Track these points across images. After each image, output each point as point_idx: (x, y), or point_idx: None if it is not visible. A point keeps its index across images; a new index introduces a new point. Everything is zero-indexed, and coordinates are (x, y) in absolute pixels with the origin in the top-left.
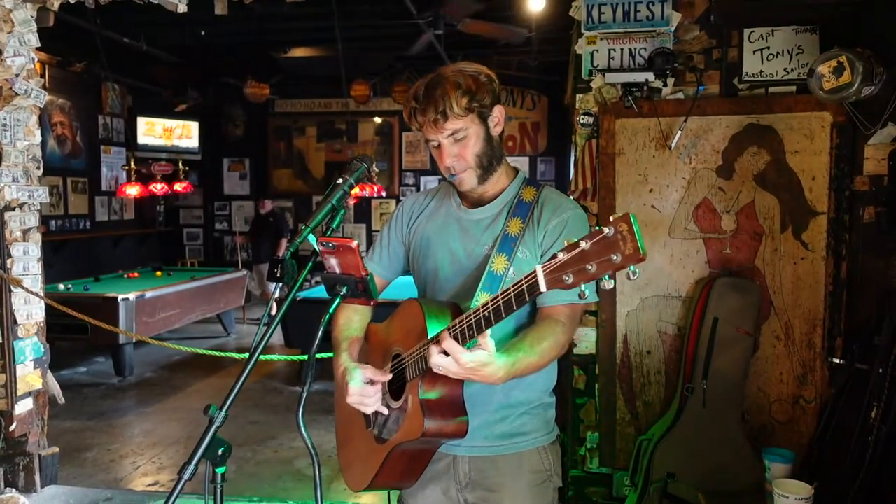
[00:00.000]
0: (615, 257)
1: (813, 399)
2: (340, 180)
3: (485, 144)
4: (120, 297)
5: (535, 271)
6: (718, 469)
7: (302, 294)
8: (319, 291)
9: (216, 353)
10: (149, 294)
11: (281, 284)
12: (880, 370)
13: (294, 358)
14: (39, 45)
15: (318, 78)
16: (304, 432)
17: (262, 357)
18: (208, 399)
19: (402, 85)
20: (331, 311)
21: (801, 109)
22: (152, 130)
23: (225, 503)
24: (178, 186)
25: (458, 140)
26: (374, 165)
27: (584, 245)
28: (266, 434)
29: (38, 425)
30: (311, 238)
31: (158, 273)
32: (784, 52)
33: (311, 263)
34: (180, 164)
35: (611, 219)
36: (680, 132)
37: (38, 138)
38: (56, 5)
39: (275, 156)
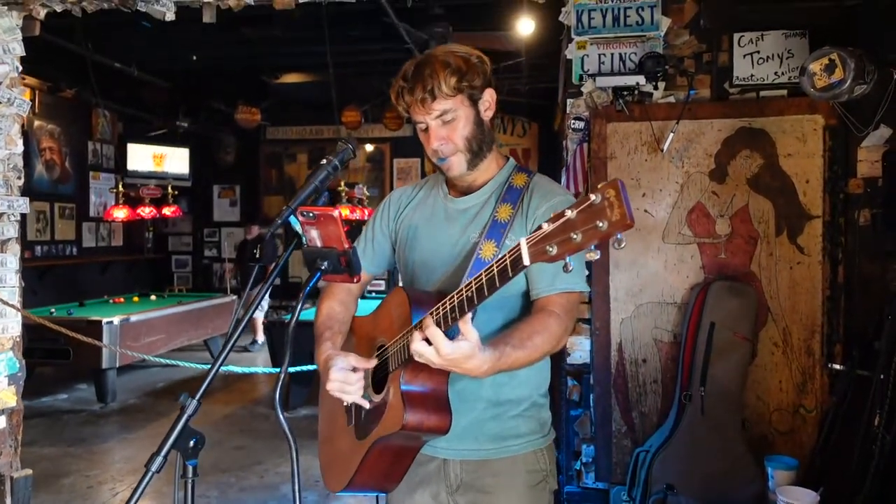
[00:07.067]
0: (601, 224)
1: (813, 408)
2: (325, 161)
3: (474, 128)
4: (104, 320)
5: (518, 244)
6: (719, 479)
7: (287, 317)
8: (307, 315)
9: (201, 366)
10: (133, 318)
11: (267, 309)
12: (882, 376)
13: (275, 371)
14: (24, 54)
15: (310, 104)
16: (280, 415)
17: (247, 370)
18: (194, 425)
19: (394, 111)
20: (310, 285)
21: (793, 112)
22: (142, 157)
23: None
24: (166, 210)
25: (447, 122)
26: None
27: (569, 214)
28: (252, 459)
29: (12, 445)
30: (293, 220)
31: (136, 299)
32: (774, 56)
33: (293, 245)
34: (169, 189)
35: (598, 186)
36: (672, 135)
37: (20, 148)
38: (42, 14)
39: (266, 182)
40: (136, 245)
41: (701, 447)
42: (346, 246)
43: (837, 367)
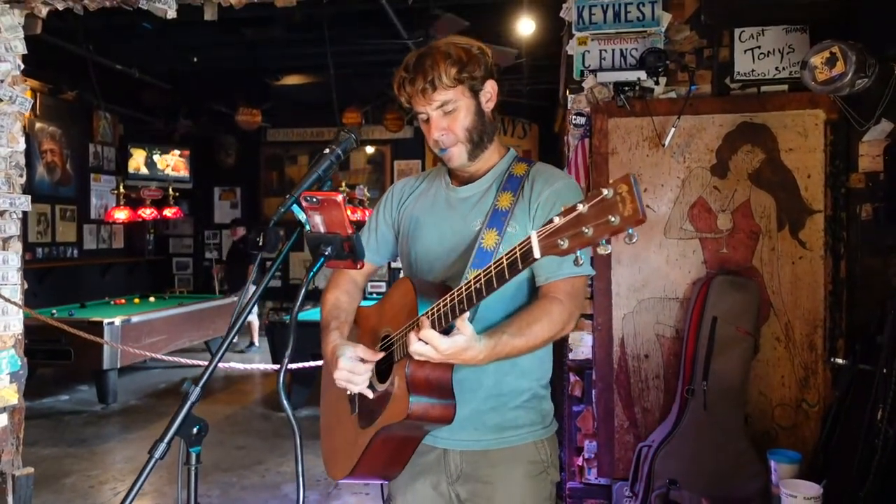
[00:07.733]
0: (613, 219)
1: (816, 403)
2: (327, 150)
3: (475, 119)
4: (105, 321)
5: (529, 237)
6: (722, 474)
7: (287, 317)
8: (310, 315)
9: (203, 363)
10: (135, 319)
11: (259, 313)
12: (884, 370)
13: (276, 367)
14: (26, 52)
15: (310, 105)
16: (284, 401)
17: (248, 367)
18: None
19: (394, 113)
20: (314, 270)
21: (795, 107)
22: (143, 159)
23: None
24: (167, 212)
25: (448, 113)
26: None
27: (581, 208)
28: (253, 459)
29: (13, 443)
30: (295, 209)
31: (136, 301)
32: (775, 52)
33: (295, 235)
34: (170, 190)
35: (610, 181)
36: (673, 130)
37: (22, 145)
38: (43, 12)
39: (266, 184)
40: (137, 247)
41: (704, 442)
42: (350, 231)
43: (840, 361)
